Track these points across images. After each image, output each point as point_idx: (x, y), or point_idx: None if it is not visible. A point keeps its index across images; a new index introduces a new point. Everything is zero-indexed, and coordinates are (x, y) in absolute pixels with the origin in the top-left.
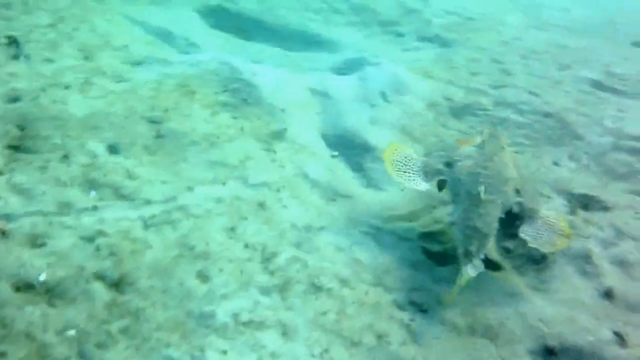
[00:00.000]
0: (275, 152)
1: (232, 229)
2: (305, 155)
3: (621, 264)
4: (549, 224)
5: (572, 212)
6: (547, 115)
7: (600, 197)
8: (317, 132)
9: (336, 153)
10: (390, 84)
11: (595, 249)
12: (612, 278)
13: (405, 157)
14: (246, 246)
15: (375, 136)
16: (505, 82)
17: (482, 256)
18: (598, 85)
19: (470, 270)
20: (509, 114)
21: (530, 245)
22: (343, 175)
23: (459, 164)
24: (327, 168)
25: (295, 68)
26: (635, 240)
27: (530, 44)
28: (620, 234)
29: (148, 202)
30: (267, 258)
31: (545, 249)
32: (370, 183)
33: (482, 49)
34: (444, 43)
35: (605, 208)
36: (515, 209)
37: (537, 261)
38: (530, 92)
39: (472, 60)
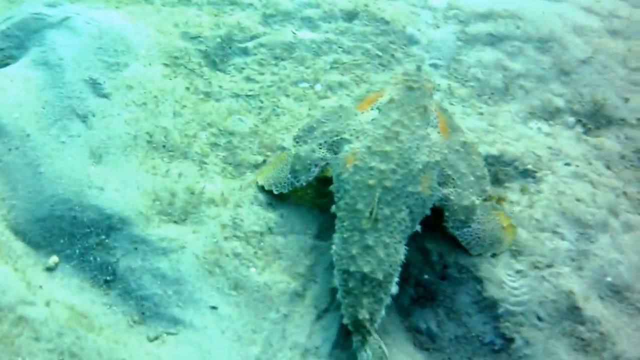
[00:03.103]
0: None
1: None
2: None
3: (618, 294)
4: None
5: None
6: (349, 16)
7: (507, 151)
8: (4, 229)
9: (54, 262)
10: (99, 57)
11: (573, 283)
12: (623, 338)
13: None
14: None
15: (114, 189)
16: None
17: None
18: None
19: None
20: (297, 32)
21: (474, 253)
22: (85, 344)
23: (347, 148)
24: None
25: None
26: (603, 230)
27: None
28: (581, 227)
29: None
30: None
31: (495, 251)
32: (148, 312)
33: None
34: None
35: (527, 173)
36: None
37: (495, 347)
38: None
39: None
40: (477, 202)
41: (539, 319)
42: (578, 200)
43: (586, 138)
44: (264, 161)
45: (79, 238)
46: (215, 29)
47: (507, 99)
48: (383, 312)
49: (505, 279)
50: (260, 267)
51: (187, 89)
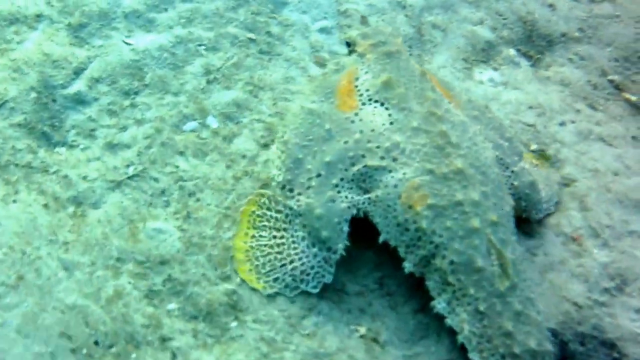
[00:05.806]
0: None
1: None
2: None
3: None
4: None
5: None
6: None
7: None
8: None
9: None
10: None
11: None
12: None
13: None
14: None
15: None
16: None
17: None
18: None
19: None
20: None
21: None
22: None
23: (391, 181)
24: None
25: None
26: None
27: None
28: None
29: None
30: None
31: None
32: None
33: None
34: None
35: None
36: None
37: None
38: None
39: None
40: (531, 170)
41: None
42: (616, 174)
43: (546, 75)
44: (234, 292)
45: None
46: (20, 76)
47: (428, 47)
48: None
49: (633, 327)
50: None
51: (46, 206)
